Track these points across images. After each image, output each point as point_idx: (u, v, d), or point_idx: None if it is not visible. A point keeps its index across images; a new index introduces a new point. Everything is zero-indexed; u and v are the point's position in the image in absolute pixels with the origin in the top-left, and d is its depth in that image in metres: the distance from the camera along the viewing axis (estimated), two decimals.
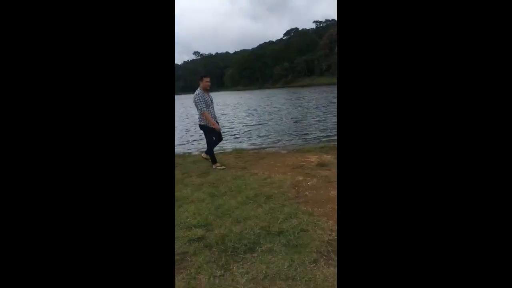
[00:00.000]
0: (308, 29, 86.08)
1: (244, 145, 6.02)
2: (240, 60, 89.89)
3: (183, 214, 2.30)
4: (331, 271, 1.47)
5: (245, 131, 7.43)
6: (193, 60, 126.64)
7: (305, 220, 2.03)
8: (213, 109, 3.72)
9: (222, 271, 1.53)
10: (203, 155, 3.95)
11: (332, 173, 3.11)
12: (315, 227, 1.93)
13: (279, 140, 6.18)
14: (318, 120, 8.70)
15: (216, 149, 4.07)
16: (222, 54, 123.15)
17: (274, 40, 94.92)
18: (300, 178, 3.05)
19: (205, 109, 3.51)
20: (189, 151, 5.80)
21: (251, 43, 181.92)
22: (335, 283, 1.36)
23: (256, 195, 2.59)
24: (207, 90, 3.66)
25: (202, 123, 3.65)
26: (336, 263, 1.49)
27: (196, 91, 3.59)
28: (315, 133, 6.79)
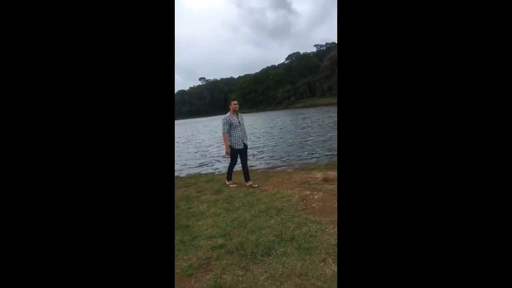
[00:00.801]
0: (309, 53, 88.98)
1: (252, 165, 6.29)
2: (243, 85, 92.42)
3: (203, 226, 2.55)
4: None
5: (253, 154, 7.70)
6: (198, 86, 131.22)
7: (314, 228, 2.27)
8: (240, 131, 3.86)
9: (244, 271, 1.76)
10: (247, 183, 3.96)
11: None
12: (323, 233, 2.16)
13: (285, 160, 6.44)
14: (323, 140, 8.96)
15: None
16: (226, 79, 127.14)
17: (276, 64, 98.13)
18: (307, 192, 3.29)
19: (225, 130, 3.77)
20: (201, 172, 6.10)
21: (254, 68, 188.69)
22: None
23: (267, 208, 2.84)
24: (236, 111, 3.88)
25: (229, 144, 3.84)
26: None
27: (227, 114, 3.86)
28: (319, 151, 7.05)
